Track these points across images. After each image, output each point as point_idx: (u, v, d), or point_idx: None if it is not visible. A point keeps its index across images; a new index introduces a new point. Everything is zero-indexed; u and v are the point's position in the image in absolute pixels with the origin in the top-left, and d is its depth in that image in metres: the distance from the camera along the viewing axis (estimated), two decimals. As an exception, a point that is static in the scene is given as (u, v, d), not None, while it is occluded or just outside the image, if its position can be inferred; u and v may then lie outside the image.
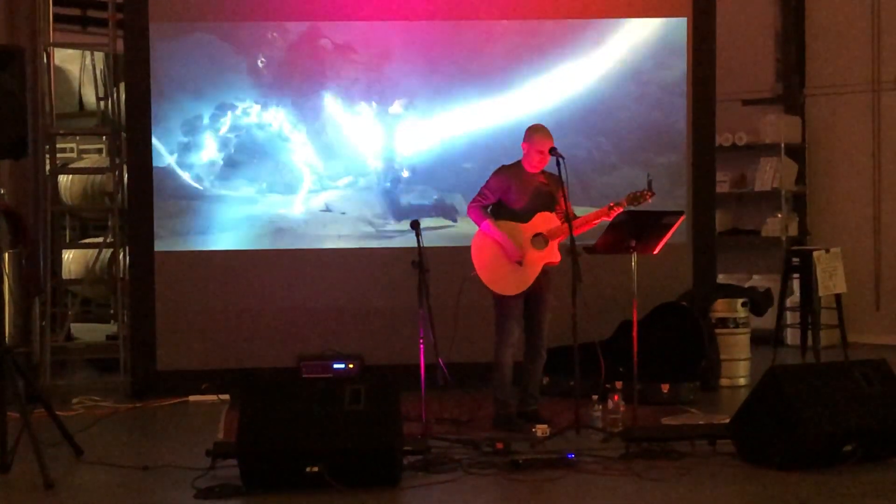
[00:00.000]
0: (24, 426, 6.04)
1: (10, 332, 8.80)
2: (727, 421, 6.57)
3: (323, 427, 5.76)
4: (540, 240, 7.12)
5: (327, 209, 9.02)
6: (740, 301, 9.03)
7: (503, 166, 7.38)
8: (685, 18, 9.24)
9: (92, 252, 10.65)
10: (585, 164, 8.96)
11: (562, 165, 6.94)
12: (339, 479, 5.62)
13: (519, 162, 7.27)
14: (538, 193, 7.17)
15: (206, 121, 8.95)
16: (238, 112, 8.96)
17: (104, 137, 11.02)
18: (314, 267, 8.98)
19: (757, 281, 10.96)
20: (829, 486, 5.74)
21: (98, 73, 11.56)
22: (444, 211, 9.04)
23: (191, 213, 8.92)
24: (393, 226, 8.99)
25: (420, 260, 6.90)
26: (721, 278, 10.16)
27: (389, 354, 8.62)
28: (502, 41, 9.12)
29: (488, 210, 7.23)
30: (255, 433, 5.77)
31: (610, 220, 7.06)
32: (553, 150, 7.01)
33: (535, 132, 7.23)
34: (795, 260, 9.80)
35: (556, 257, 7.15)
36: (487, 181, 7.31)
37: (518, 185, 7.18)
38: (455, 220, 8.94)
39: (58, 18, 10.10)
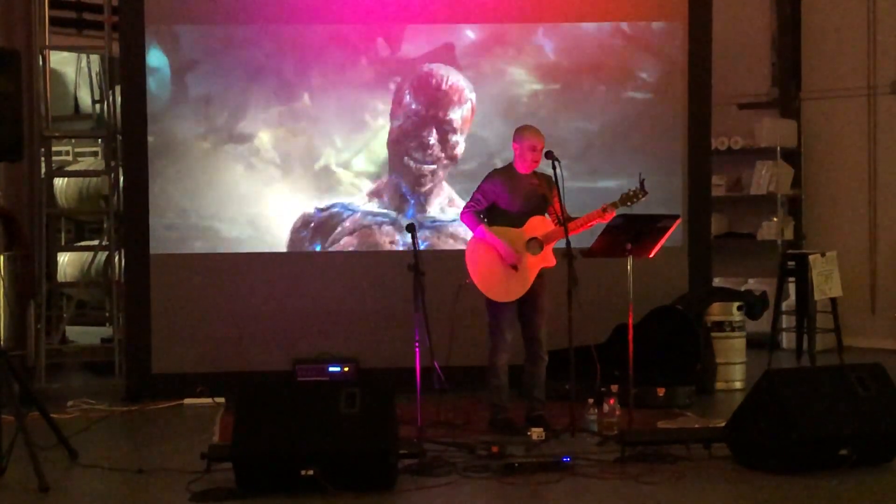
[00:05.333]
0: (18, 429, 6.02)
1: (5, 334, 8.82)
2: (723, 424, 6.57)
3: (318, 430, 5.76)
4: (535, 244, 7.11)
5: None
6: (736, 305, 9.03)
7: (495, 170, 7.38)
8: (681, 23, 9.25)
9: (87, 255, 10.64)
10: (580, 168, 8.96)
11: (558, 169, 6.93)
12: (334, 482, 5.62)
13: (510, 164, 7.27)
14: (531, 195, 7.17)
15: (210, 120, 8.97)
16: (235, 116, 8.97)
17: (100, 140, 11.04)
18: (309, 270, 8.97)
19: (752, 284, 10.96)
20: (824, 490, 5.75)
21: (94, 75, 11.57)
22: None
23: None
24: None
25: (416, 263, 6.89)
26: (717, 282, 10.18)
27: (385, 358, 8.62)
28: (497, 44, 9.12)
29: (482, 215, 7.21)
30: (250, 436, 5.77)
31: (604, 222, 7.06)
32: (549, 154, 7.00)
33: (524, 130, 7.24)
34: (791, 263, 9.82)
35: (551, 261, 7.14)
36: (479, 186, 7.30)
37: (511, 187, 7.17)
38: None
39: (53, 21, 10.08)
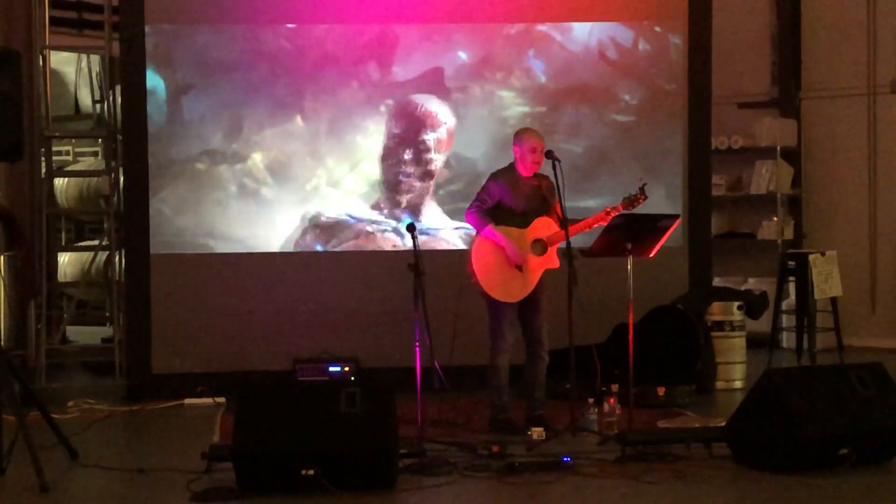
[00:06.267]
0: (19, 429, 6.03)
1: (5, 334, 8.82)
2: (723, 424, 6.57)
3: (318, 430, 5.75)
4: (539, 245, 7.11)
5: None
6: (736, 304, 9.04)
7: (497, 171, 7.36)
8: (682, 22, 9.26)
9: (87, 255, 10.65)
10: (581, 169, 8.96)
11: (558, 169, 6.92)
12: (334, 482, 5.61)
13: (512, 165, 7.26)
14: (534, 197, 7.16)
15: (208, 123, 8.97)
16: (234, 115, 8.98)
17: (100, 140, 11.05)
18: (309, 270, 8.98)
19: (753, 284, 10.97)
20: (824, 489, 5.75)
21: (94, 75, 11.58)
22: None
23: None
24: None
25: (416, 263, 6.89)
26: (717, 281, 10.18)
27: (385, 357, 8.62)
28: (501, 43, 9.13)
29: (487, 215, 7.20)
30: (250, 436, 5.77)
31: (605, 223, 7.06)
32: (550, 154, 7.00)
33: (525, 133, 7.24)
34: (791, 263, 9.83)
35: (555, 262, 7.13)
36: (485, 186, 7.28)
37: (514, 189, 7.16)
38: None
39: (54, 21, 10.08)
